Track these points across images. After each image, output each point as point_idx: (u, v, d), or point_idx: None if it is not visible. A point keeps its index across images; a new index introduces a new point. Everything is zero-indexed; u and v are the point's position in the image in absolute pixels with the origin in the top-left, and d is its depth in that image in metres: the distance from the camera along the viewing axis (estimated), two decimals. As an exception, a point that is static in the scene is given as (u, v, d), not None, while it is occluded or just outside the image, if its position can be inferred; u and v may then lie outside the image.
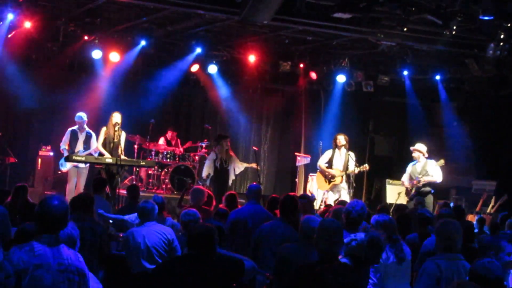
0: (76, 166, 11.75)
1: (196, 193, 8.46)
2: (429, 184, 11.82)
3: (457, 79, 14.58)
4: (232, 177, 12.76)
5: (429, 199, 11.72)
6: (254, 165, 13.04)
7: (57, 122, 13.33)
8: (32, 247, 3.76)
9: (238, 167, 12.87)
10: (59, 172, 12.39)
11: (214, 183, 12.38)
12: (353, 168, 12.26)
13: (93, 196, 7.15)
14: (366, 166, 12.42)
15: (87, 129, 11.94)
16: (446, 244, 5.15)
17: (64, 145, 11.83)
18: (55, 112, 13.69)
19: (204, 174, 12.57)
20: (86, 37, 12.86)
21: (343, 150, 12.37)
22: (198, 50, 13.89)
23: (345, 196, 12.06)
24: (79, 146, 11.86)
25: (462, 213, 8.82)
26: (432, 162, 11.94)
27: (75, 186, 11.66)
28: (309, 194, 12.45)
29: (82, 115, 11.88)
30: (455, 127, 15.44)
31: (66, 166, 11.77)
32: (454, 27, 10.30)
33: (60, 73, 13.76)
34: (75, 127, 11.87)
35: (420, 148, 12.00)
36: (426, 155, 12.02)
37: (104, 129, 11.81)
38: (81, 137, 11.89)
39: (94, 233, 6.48)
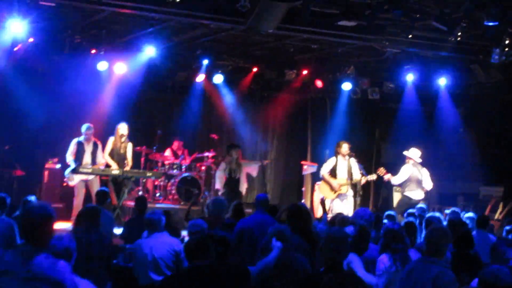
0: (85, 180, 11.68)
1: (217, 204, 8.30)
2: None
3: (462, 85, 14.55)
4: (244, 185, 12.72)
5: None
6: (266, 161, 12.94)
7: (64, 134, 13.22)
8: (2, 254, 3.71)
9: (252, 169, 12.80)
10: (65, 185, 12.34)
11: (224, 193, 12.36)
12: (358, 176, 12.19)
13: (99, 208, 7.16)
14: (373, 176, 12.33)
15: (93, 139, 11.92)
16: (429, 249, 5.22)
17: (70, 157, 11.75)
18: (62, 124, 13.62)
19: (218, 185, 12.56)
20: (93, 50, 12.82)
21: (347, 158, 12.32)
22: (205, 61, 13.93)
23: (350, 205, 12.07)
24: (87, 158, 11.82)
25: (486, 222, 8.78)
26: (424, 170, 12.30)
27: (83, 201, 11.58)
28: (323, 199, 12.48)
29: (90, 125, 11.86)
30: (461, 133, 15.38)
31: (74, 180, 11.70)
32: (459, 33, 10.28)
33: (67, 85, 13.74)
34: (81, 138, 11.83)
35: (410, 154, 12.31)
36: (419, 160, 12.31)
37: (111, 139, 11.85)
38: (88, 148, 11.87)
39: (101, 245, 6.50)
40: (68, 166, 11.74)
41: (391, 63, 13.80)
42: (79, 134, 11.96)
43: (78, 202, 11.57)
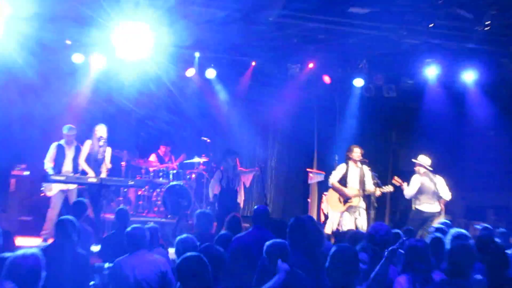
0: (65, 190, 11.68)
1: (202, 218, 8.45)
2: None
3: (492, 82, 14.53)
4: (241, 197, 12.76)
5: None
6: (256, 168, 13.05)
7: (34, 136, 13.23)
8: None
9: (247, 178, 12.91)
10: (42, 195, 12.29)
11: (220, 205, 12.39)
12: (372, 187, 12.23)
13: (75, 221, 7.14)
14: (390, 188, 12.36)
15: (75, 143, 11.93)
16: (451, 269, 5.26)
17: (49, 163, 11.75)
18: (31, 125, 13.47)
19: (210, 195, 12.60)
20: (67, 40, 12.79)
21: (359, 164, 12.35)
22: (196, 54, 13.91)
23: (363, 219, 12.09)
24: (67, 165, 11.82)
25: None
26: (438, 178, 12.35)
27: (58, 213, 11.54)
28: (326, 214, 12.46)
29: (72, 126, 11.85)
30: (491, 136, 15.34)
31: (52, 190, 11.70)
32: (487, 22, 10.26)
33: (36, 80, 13.51)
34: (61, 141, 11.84)
35: (419, 162, 12.39)
36: (430, 168, 12.40)
37: (88, 142, 11.82)
38: (70, 153, 11.89)
39: (76, 264, 6.50)
40: (46, 173, 11.63)
41: (409, 56, 13.80)
42: (54, 136, 11.93)
43: (52, 215, 11.56)
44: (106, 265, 7.47)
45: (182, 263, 5.08)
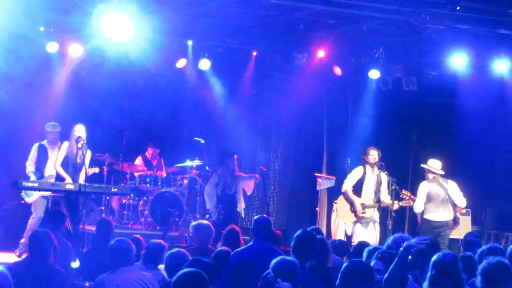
0: (46, 197, 11.78)
1: (201, 230, 8.54)
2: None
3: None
4: (242, 205, 12.82)
5: None
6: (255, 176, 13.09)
7: (4, 135, 13.20)
8: None
9: (248, 185, 12.90)
10: (22, 202, 12.32)
11: (218, 215, 12.54)
12: (387, 198, 12.39)
13: (52, 234, 7.15)
14: (410, 203, 12.53)
15: (59, 143, 12.04)
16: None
17: (30, 166, 11.92)
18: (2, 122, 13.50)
19: (209, 205, 12.63)
20: (41, 28, 12.79)
21: (376, 170, 12.44)
22: (189, 42, 13.96)
23: (375, 233, 12.28)
24: (50, 168, 11.93)
25: None
26: (450, 183, 12.51)
27: (39, 222, 11.63)
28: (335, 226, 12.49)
29: (55, 124, 11.97)
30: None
31: (32, 196, 11.79)
32: (523, 4, 10.29)
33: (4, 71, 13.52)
34: (43, 142, 11.99)
35: (428, 166, 12.56)
36: (441, 172, 12.56)
37: (66, 144, 11.85)
38: (53, 155, 12.02)
39: (54, 283, 6.50)
40: (20, 178, 11.60)
41: (433, 44, 13.78)
42: (33, 135, 12.06)
43: (32, 225, 11.64)
44: (87, 284, 7.50)
45: (180, 280, 5.08)
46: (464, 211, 13.36)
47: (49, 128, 11.99)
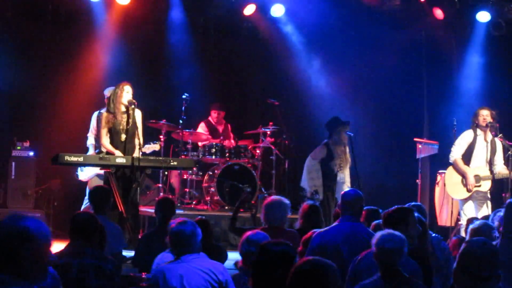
0: (100, 175, 11.87)
1: (278, 207, 8.35)
2: None
3: None
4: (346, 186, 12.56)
5: None
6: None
7: (40, 106, 13.55)
8: None
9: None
10: (79, 179, 12.49)
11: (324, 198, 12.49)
12: (503, 168, 12.06)
13: (98, 217, 7.14)
14: None
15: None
16: None
17: (92, 138, 12.05)
18: (34, 91, 13.83)
19: (309, 185, 12.51)
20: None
21: (489, 135, 12.19)
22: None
23: (487, 210, 11.89)
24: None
25: None
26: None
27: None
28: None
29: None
30: None
31: (85, 173, 12.01)
32: None
33: (39, 29, 13.74)
34: (103, 110, 11.68)
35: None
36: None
37: (104, 113, 11.41)
38: None
39: (102, 274, 6.47)
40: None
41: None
42: (65, 106, 12.50)
43: (88, 207, 11.58)
44: (143, 275, 7.44)
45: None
46: None
47: (109, 94, 11.60)
